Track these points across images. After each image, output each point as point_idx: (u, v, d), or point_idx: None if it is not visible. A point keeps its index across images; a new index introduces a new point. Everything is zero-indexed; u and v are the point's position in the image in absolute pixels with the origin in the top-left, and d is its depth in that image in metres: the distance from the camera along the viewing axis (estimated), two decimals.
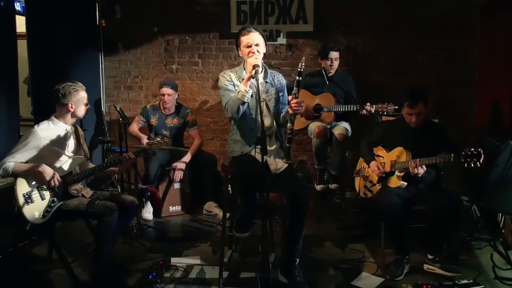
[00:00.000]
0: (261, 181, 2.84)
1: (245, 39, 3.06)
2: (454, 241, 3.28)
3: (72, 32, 4.87)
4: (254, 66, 2.88)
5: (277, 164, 3.13)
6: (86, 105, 3.19)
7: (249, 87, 2.95)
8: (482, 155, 2.87)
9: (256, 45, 3.04)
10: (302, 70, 2.82)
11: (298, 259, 3.05)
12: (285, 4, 5.23)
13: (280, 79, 3.25)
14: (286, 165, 3.10)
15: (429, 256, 3.29)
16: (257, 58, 2.94)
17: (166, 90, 4.60)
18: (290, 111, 2.87)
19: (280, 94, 3.21)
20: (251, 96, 2.98)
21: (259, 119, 2.80)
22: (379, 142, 3.61)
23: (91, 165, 3.30)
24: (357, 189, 3.76)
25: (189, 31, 5.44)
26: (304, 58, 2.84)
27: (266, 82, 3.16)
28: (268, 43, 5.21)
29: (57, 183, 2.94)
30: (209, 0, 5.35)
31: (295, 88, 2.87)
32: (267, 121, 3.10)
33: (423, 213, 3.35)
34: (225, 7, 5.29)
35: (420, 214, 3.36)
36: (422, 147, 3.26)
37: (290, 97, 2.90)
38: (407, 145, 3.36)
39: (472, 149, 2.89)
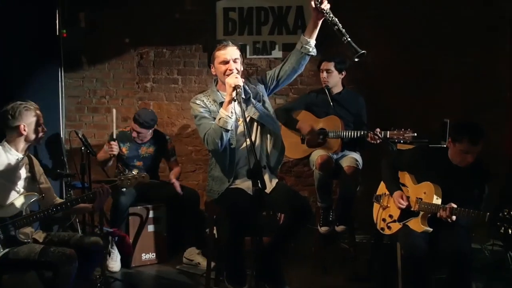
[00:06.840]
0: (253, 221, 2.82)
1: (221, 54, 3.10)
2: None
3: (26, 43, 4.85)
4: (235, 87, 2.88)
5: (272, 183, 3.21)
6: (42, 129, 3.19)
7: (230, 111, 2.95)
8: None
9: (234, 61, 3.08)
10: None
11: None
12: (281, 11, 5.27)
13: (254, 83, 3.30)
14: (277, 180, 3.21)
15: None
16: (237, 78, 2.93)
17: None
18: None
19: (262, 96, 3.28)
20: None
21: (248, 143, 2.74)
22: (405, 169, 3.60)
23: (56, 201, 3.26)
24: (375, 219, 3.73)
25: (167, 43, 5.48)
26: None
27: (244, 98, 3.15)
28: (261, 56, 5.38)
29: None
30: (191, 7, 5.41)
31: None
32: (258, 142, 3.18)
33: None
34: (210, 15, 5.34)
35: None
36: (458, 191, 3.26)
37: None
38: (441, 182, 3.33)
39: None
